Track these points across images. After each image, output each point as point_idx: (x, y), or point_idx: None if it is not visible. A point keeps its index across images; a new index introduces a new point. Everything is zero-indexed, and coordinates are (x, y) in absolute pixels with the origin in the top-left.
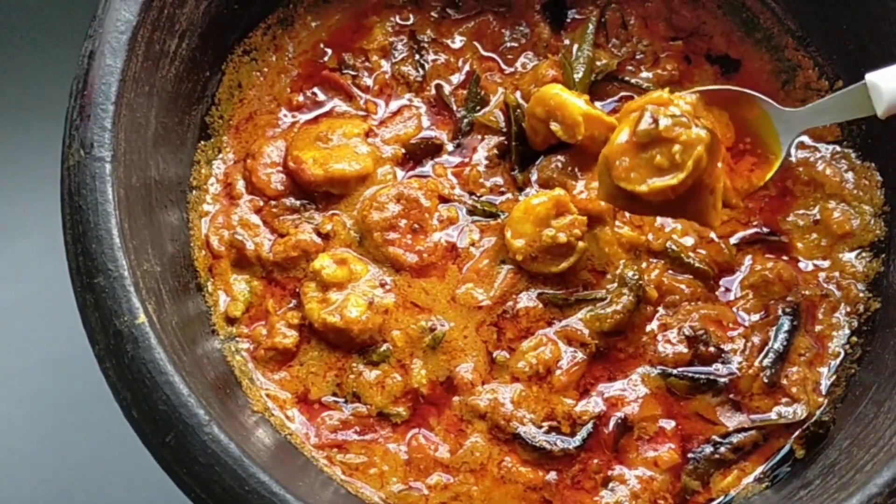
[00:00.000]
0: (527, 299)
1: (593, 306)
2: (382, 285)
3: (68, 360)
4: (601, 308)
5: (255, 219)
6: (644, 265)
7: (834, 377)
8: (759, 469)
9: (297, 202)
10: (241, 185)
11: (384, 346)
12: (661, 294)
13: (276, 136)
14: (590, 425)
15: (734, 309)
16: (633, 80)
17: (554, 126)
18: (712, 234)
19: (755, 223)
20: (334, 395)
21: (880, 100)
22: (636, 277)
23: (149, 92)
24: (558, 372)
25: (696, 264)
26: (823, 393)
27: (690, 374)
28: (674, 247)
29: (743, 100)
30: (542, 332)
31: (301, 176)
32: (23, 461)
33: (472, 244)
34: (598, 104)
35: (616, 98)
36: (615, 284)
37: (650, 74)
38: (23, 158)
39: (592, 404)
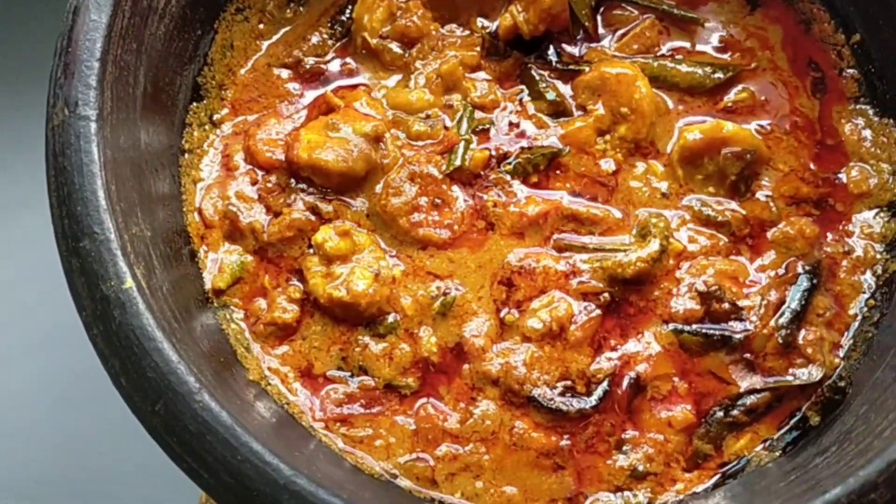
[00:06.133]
0: (546, 255)
1: (619, 252)
2: (391, 256)
3: (67, 333)
4: (624, 255)
5: (251, 191)
6: (668, 214)
7: (851, 340)
8: (773, 435)
9: (297, 184)
10: (239, 156)
11: (392, 318)
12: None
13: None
14: (605, 383)
15: (752, 265)
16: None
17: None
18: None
19: (818, 181)
20: (340, 368)
21: None
22: (662, 225)
23: (137, 49)
24: (573, 327)
25: (720, 218)
26: (841, 355)
27: (704, 330)
28: (699, 203)
29: None
30: (555, 291)
31: (289, 152)
32: (22, 434)
33: (494, 205)
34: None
35: (633, 24)
36: (633, 236)
37: None
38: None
39: (606, 361)
